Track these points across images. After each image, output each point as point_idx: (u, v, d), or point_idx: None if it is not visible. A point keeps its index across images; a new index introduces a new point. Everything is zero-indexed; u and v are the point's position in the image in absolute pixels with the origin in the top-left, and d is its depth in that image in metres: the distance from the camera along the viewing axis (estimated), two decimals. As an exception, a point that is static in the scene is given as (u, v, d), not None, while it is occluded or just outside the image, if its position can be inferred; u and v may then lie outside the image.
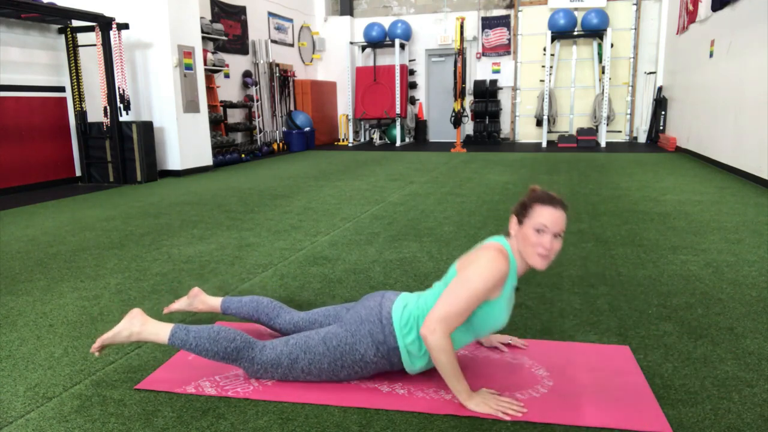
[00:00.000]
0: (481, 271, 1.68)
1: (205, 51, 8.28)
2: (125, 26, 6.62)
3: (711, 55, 7.56)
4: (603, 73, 10.87)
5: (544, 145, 10.91)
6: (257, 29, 10.41)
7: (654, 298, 2.61)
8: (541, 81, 11.38)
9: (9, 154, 6.06)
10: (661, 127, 10.58)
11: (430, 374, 1.91)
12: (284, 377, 1.86)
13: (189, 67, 7.37)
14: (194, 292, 2.29)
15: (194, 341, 1.85)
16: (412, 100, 12.56)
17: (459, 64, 10.11)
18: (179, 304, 2.30)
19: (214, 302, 2.25)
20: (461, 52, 10.12)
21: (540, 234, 1.70)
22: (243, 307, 2.17)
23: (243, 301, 2.18)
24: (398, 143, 11.59)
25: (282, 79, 10.83)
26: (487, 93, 11.63)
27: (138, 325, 1.91)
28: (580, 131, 10.69)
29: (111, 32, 6.54)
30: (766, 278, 2.87)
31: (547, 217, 1.70)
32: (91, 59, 6.76)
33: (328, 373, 1.83)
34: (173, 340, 1.87)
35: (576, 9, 11.05)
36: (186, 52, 7.29)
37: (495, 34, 11.89)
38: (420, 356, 1.80)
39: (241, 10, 9.92)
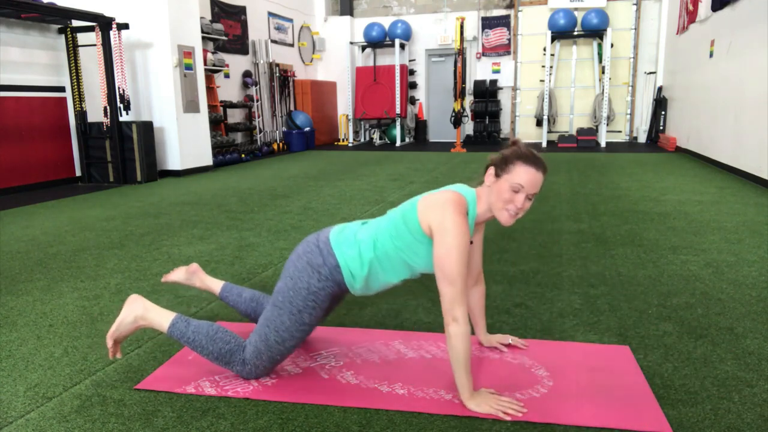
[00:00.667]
0: (454, 236, 1.65)
1: (205, 51, 8.28)
2: (125, 26, 6.63)
3: (711, 55, 7.56)
4: (603, 73, 10.87)
5: (544, 145, 10.91)
6: (257, 29, 10.42)
7: (654, 298, 2.61)
8: (541, 81, 11.38)
9: (9, 154, 6.06)
10: (661, 127, 10.58)
11: (430, 374, 1.91)
12: (272, 362, 1.85)
13: (189, 67, 7.37)
14: (193, 268, 2.28)
15: (192, 335, 1.86)
16: (412, 100, 12.56)
17: (459, 64, 10.12)
18: (177, 275, 2.30)
19: (213, 284, 2.24)
20: (461, 52, 10.12)
21: (515, 193, 1.68)
22: (241, 302, 2.16)
23: (243, 296, 2.17)
24: (398, 143, 11.59)
25: (282, 79, 10.83)
26: (487, 93, 11.63)
27: (140, 309, 1.91)
28: (580, 131, 10.70)
29: (111, 32, 6.54)
30: (766, 278, 2.87)
31: (526, 177, 1.67)
32: (91, 59, 6.76)
33: (296, 327, 1.81)
34: (172, 331, 1.87)
35: (576, 9, 11.05)
36: (186, 52, 7.29)
37: (495, 34, 11.89)
38: (361, 276, 1.80)
39: (241, 10, 9.92)
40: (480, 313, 2.10)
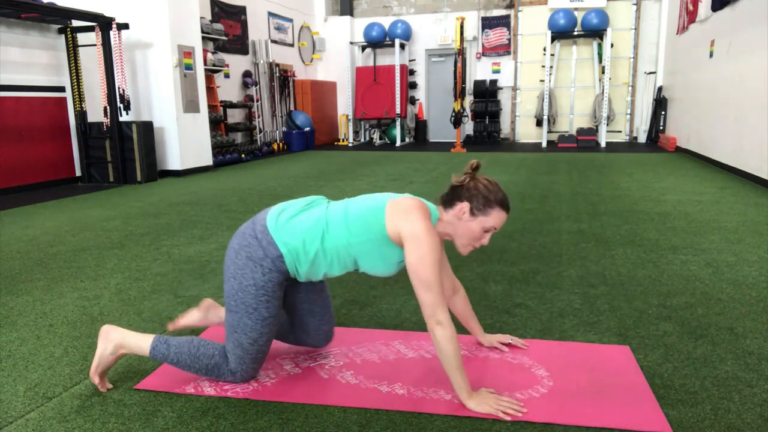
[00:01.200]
0: (426, 243, 1.66)
1: (205, 51, 8.28)
2: (125, 26, 6.62)
3: (711, 55, 7.56)
4: (603, 73, 10.87)
5: (544, 145, 10.91)
6: (257, 29, 10.42)
7: (654, 298, 2.61)
8: (541, 81, 11.38)
9: (9, 154, 6.06)
10: (661, 127, 10.58)
11: (430, 374, 1.91)
12: (256, 361, 1.83)
13: (189, 67, 7.37)
14: (207, 304, 2.14)
15: (175, 357, 1.83)
16: (412, 100, 12.57)
17: (459, 64, 10.11)
18: (189, 319, 2.12)
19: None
20: (461, 52, 10.13)
21: (486, 233, 1.75)
22: None
23: None
24: (398, 143, 11.59)
25: (282, 79, 10.83)
26: (487, 93, 11.63)
27: (118, 338, 1.84)
28: (580, 131, 10.70)
29: (111, 32, 6.54)
30: (766, 278, 2.87)
31: (500, 221, 1.75)
32: (91, 59, 6.76)
33: (260, 324, 1.77)
34: (154, 354, 1.84)
35: (576, 9, 11.06)
36: (186, 52, 7.29)
37: (495, 34, 11.89)
38: (305, 267, 1.77)
39: (241, 10, 9.92)
40: (471, 317, 2.10)
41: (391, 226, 1.71)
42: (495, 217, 1.73)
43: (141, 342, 1.85)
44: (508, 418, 1.64)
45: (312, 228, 1.76)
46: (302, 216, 1.80)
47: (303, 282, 1.92)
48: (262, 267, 1.75)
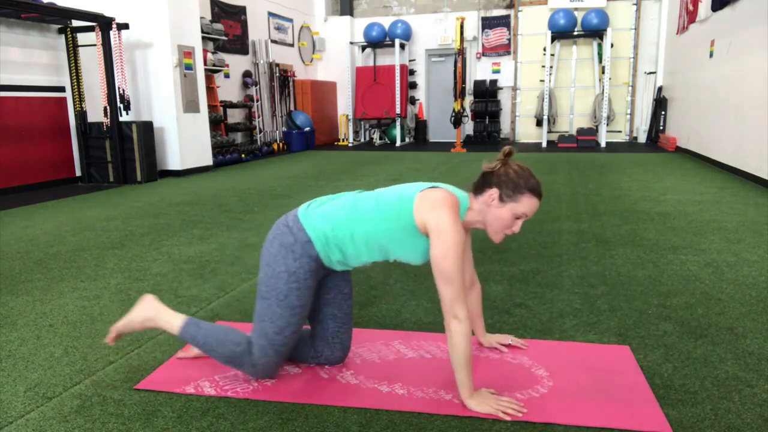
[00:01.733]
0: (452, 237, 1.65)
1: (205, 51, 8.28)
2: (125, 26, 6.63)
3: (711, 55, 7.56)
4: (603, 73, 10.87)
5: (544, 145, 10.91)
6: (257, 29, 10.42)
7: (654, 298, 2.61)
8: (541, 81, 11.38)
9: (9, 154, 6.06)
10: (661, 127, 10.58)
11: (430, 374, 1.91)
12: (278, 355, 1.83)
13: (189, 67, 7.37)
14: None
15: (203, 339, 1.85)
16: (412, 100, 12.57)
17: (459, 64, 10.11)
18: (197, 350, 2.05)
19: (170, 319, 2.05)
20: (461, 52, 10.12)
21: (517, 220, 1.73)
22: None
23: None
24: (398, 143, 11.59)
25: (282, 79, 10.83)
26: (487, 93, 11.63)
27: (152, 311, 1.90)
28: (580, 131, 10.70)
29: (111, 32, 6.54)
30: (766, 278, 2.87)
31: (531, 208, 1.72)
32: (91, 59, 6.76)
33: (288, 313, 1.78)
34: (183, 334, 1.87)
35: (576, 9, 11.06)
36: (186, 52, 7.29)
37: (495, 34, 11.89)
38: (335, 250, 1.78)
39: (241, 10, 9.92)
40: (478, 315, 2.10)
41: (419, 216, 1.71)
42: (525, 204, 1.71)
43: (173, 320, 1.89)
44: (508, 418, 1.64)
45: (341, 214, 1.79)
46: (331, 203, 1.84)
47: (333, 281, 1.93)
48: (293, 252, 1.78)
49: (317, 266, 1.82)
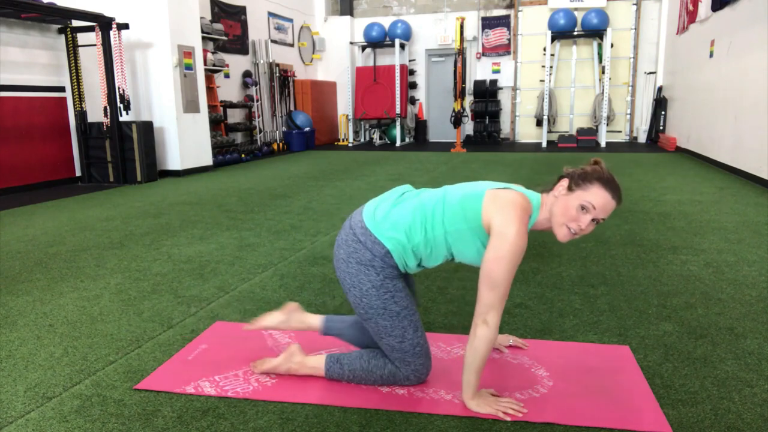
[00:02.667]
0: (512, 245, 1.59)
1: (205, 51, 8.28)
2: (125, 26, 6.62)
3: (711, 55, 7.56)
4: (603, 73, 10.87)
5: (544, 145, 10.91)
6: (257, 29, 10.41)
7: (654, 298, 2.61)
8: (541, 81, 11.38)
9: (9, 154, 6.06)
10: (661, 127, 10.58)
11: (430, 374, 1.91)
12: (418, 355, 1.78)
13: (189, 67, 7.37)
14: (290, 308, 2.04)
15: (349, 374, 1.85)
16: (412, 100, 12.56)
17: (459, 64, 10.11)
18: (269, 321, 2.03)
19: (314, 321, 2.03)
20: (461, 52, 10.12)
21: (583, 212, 1.61)
22: (345, 330, 2.00)
23: (345, 322, 2.01)
24: (398, 143, 11.59)
25: (282, 79, 10.83)
26: (487, 93, 11.63)
27: (296, 364, 1.91)
28: (580, 131, 10.70)
29: (111, 32, 6.54)
30: (766, 278, 2.87)
31: (600, 200, 1.59)
32: (91, 59, 6.76)
33: (398, 319, 1.74)
34: (330, 375, 1.87)
35: (576, 9, 11.05)
36: (186, 52, 7.29)
37: (495, 34, 11.89)
38: (413, 259, 1.74)
39: (241, 10, 9.91)
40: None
41: (486, 215, 1.65)
42: (594, 194, 1.59)
43: (317, 365, 1.89)
44: (509, 419, 1.64)
45: (413, 219, 1.72)
46: (398, 209, 1.77)
47: (408, 281, 1.91)
48: (374, 268, 1.73)
49: (399, 272, 1.78)
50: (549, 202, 1.69)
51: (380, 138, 12.24)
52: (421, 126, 12.61)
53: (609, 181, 1.61)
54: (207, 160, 7.87)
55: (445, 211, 1.71)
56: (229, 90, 9.60)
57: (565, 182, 1.66)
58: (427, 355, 1.81)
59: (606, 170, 1.64)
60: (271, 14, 10.90)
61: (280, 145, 10.66)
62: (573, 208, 1.62)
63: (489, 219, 1.64)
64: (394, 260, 1.73)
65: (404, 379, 1.81)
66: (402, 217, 1.74)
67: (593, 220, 1.62)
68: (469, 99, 11.80)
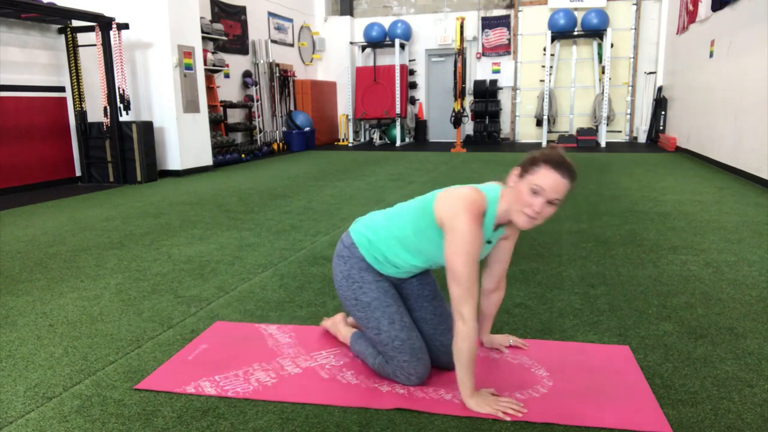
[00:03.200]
0: (461, 237, 1.62)
1: (205, 51, 8.28)
2: (125, 26, 6.62)
3: (711, 55, 7.56)
4: (603, 73, 10.87)
5: (544, 145, 10.91)
6: (257, 29, 10.41)
7: (654, 298, 2.61)
8: (541, 81, 11.38)
9: (9, 154, 6.06)
10: (661, 127, 10.58)
11: (430, 374, 1.91)
12: (401, 351, 1.80)
13: (189, 67, 7.37)
14: (338, 318, 2.21)
15: (359, 354, 2.01)
16: (412, 100, 12.56)
17: (459, 64, 10.11)
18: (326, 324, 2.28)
19: (346, 334, 2.14)
20: (461, 52, 10.12)
21: (534, 195, 1.61)
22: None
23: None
24: (398, 143, 11.59)
25: (282, 79, 10.82)
26: (487, 93, 11.63)
27: (341, 330, 2.16)
28: (580, 131, 10.70)
29: (111, 32, 6.54)
30: (766, 278, 2.87)
31: (548, 181, 1.59)
32: (91, 59, 6.76)
33: (369, 313, 1.85)
34: (352, 349, 2.07)
35: (576, 9, 11.05)
36: (186, 52, 7.29)
37: (495, 34, 11.89)
38: (378, 252, 1.86)
39: (241, 10, 9.91)
40: (489, 318, 2.08)
41: (437, 213, 1.69)
42: (542, 176, 1.58)
43: (347, 334, 2.12)
44: (508, 419, 1.64)
45: (379, 218, 1.91)
46: (378, 213, 1.96)
47: (409, 287, 1.97)
48: (342, 258, 1.92)
49: (368, 266, 1.89)
50: (507, 193, 1.70)
51: (380, 138, 12.24)
52: (421, 126, 12.60)
53: (557, 161, 1.60)
54: (207, 160, 7.87)
55: (408, 211, 1.83)
56: (229, 90, 9.60)
57: (516, 170, 1.66)
58: (412, 353, 1.80)
59: (555, 152, 1.64)
60: (271, 14, 10.90)
61: (280, 145, 10.66)
62: (525, 194, 1.62)
63: (440, 216, 1.69)
64: (361, 252, 1.88)
65: (392, 375, 1.84)
66: (373, 219, 1.93)
67: (548, 202, 1.62)
68: (469, 99, 11.80)
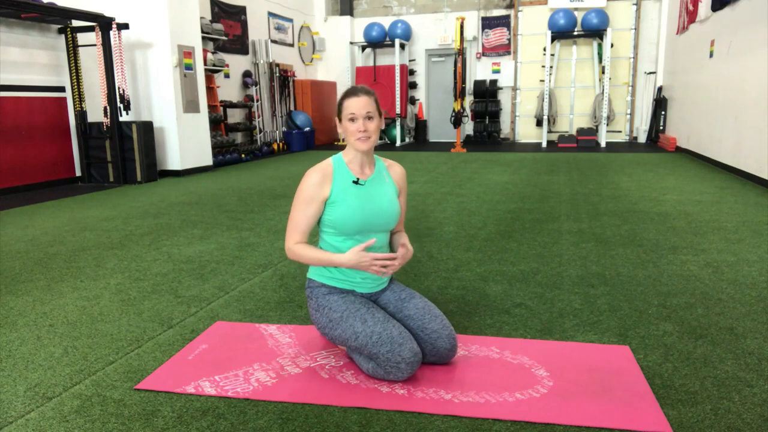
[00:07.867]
0: (296, 192, 2.03)
1: (205, 51, 8.28)
2: (125, 26, 6.62)
3: (711, 55, 7.56)
4: (603, 73, 10.87)
5: (544, 145, 10.91)
6: (257, 29, 10.41)
7: (654, 298, 2.61)
8: (541, 81, 11.38)
9: (9, 154, 6.06)
10: (661, 127, 10.58)
11: (430, 374, 1.91)
12: (372, 345, 1.86)
13: (189, 67, 7.37)
14: None
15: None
16: (412, 100, 12.56)
17: (459, 64, 10.11)
18: None
19: None
20: (461, 52, 10.12)
21: (353, 122, 1.96)
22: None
23: None
24: (398, 143, 11.59)
25: (282, 79, 10.82)
26: (487, 93, 11.63)
27: None
28: (580, 131, 10.69)
29: (111, 32, 6.54)
30: (766, 278, 2.87)
31: (352, 106, 1.95)
32: (91, 59, 6.76)
33: (347, 326, 1.92)
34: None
35: (576, 9, 11.05)
36: (186, 52, 7.29)
37: (495, 34, 11.89)
38: (334, 271, 2.06)
39: (241, 10, 9.91)
40: (397, 240, 2.13)
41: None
42: (345, 106, 1.96)
43: None
44: (383, 273, 1.90)
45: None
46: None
47: (384, 298, 2.08)
48: (309, 297, 2.09)
49: (329, 290, 2.04)
50: (347, 143, 2.04)
51: (380, 138, 12.24)
52: (421, 126, 12.61)
53: (350, 91, 1.99)
54: (207, 160, 7.87)
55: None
56: (229, 90, 9.60)
57: (337, 122, 2.05)
58: (391, 341, 1.82)
59: (349, 87, 2.04)
60: (271, 14, 10.90)
61: (280, 145, 10.66)
62: (348, 126, 1.98)
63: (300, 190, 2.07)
64: (315, 279, 2.08)
65: (385, 375, 1.85)
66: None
67: (367, 118, 1.96)
68: (469, 99, 11.80)
